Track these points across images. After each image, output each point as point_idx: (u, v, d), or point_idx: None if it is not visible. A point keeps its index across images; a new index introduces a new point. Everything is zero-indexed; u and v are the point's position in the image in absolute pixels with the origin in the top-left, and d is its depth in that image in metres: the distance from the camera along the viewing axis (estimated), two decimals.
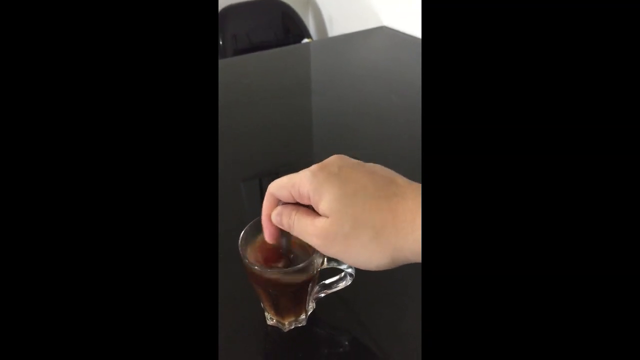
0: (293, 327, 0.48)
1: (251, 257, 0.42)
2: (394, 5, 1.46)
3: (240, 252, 0.42)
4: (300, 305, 0.46)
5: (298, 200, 0.36)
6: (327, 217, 0.32)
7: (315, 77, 1.15)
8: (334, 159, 0.35)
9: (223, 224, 0.50)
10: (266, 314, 0.48)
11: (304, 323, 0.48)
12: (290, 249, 0.42)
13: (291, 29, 1.80)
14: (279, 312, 0.46)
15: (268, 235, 0.39)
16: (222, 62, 1.26)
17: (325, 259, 0.44)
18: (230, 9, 1.74)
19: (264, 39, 1.75)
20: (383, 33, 1.42)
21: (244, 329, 0.48)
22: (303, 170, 0.35)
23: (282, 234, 0.40)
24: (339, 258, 0.33)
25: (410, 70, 1.11)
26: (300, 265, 0.40)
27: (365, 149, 0.81)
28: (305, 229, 0.34)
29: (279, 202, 0.38)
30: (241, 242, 0.42)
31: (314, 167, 0.35)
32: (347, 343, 0.47)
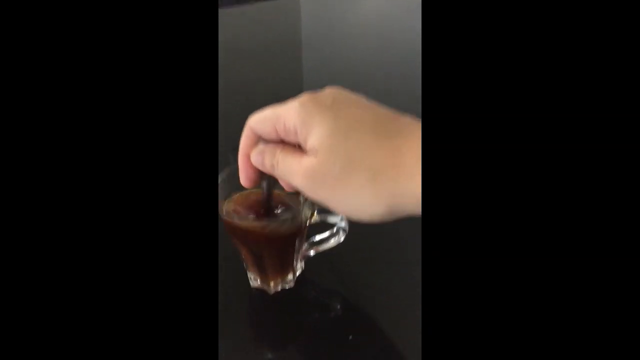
0: (279, 288, 0.43)
1: (229, 209, 0.37)
2: None
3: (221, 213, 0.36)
4: (287, 265, 0.42)
5: (283, 137, 0.30)
6: (316, 154, 0.27)
7: (306, 32, 1.08)
8: (328, 91, 0.30)
9: None
10: (249, 274, 0.43)
11: (291, 284, 0.44)
12: (274, 202, 0.37)
13: None
14: (264, 272, 0.41)
15: (245, 179, 0.34)
16: None
17: (316, 211, 0.39)
18: None
19: None
20: None
21: (225, 291, 0.44)
22: (290, 101, 0.29)
23: (264, 179, 0.34)
24: (327, 204, 0.28)
25: (407, 27, 1.04)
26: (286, 215, 0.35)
27: None
28: (290, 168, 0.29)
29: (259, 141, 0.32)
30: (220, 190, 0.37)
31: (303, 96, 0.29)
32: (338, 307, 0.43)
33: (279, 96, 0.35)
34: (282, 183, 0.34)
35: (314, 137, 0.28)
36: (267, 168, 0.32)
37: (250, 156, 0.32)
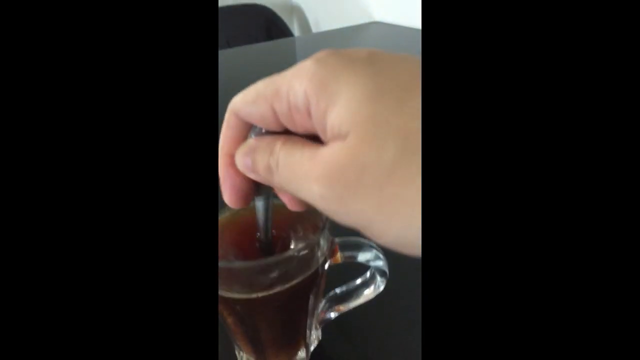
0: None
1: None
2: (385, 0, 1.35)
3: None
4: (296, 337, 0.27)
5: (286, 123, 0.18)
6: (345, 137, 0.16)
7: None
8: (360, 48, 0.18)
9: None
10: (241, 355, 0.28)
11: None
12: (272, 232, 0.23)
13: (275, 35, 1.66)
14: (260, 352, 0.26)
15: (230, 195, 0.21)
16: None
17: (339, 247, 0.24)
18: None
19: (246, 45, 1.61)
20: (376, 27, 1.30)
21: None
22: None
23: (260, 193, 0.21)
24: (364, 225, 0.16)
25: None
26: (296, 253, 0.21)
27: None
28: (299, 168, 0.17)
29: (248, 134, 0.20)
30: None
31: (320, 52, 0.18)
32: None
33: None
34: (284, 198, 0.20)
35: (341, 107, 0.16)
36: (261, 174, 0.19)
37: (235, 158, 0.20)
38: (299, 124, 0.17)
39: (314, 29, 1.79)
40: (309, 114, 0.17)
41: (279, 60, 1.11)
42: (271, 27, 1.68)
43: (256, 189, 0.21)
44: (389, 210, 0.15)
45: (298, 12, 1.86)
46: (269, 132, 0.19)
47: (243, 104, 0.19)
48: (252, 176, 0.19)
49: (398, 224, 0.15)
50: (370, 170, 0.15)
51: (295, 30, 1.88)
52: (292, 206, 0.20)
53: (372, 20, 1.39)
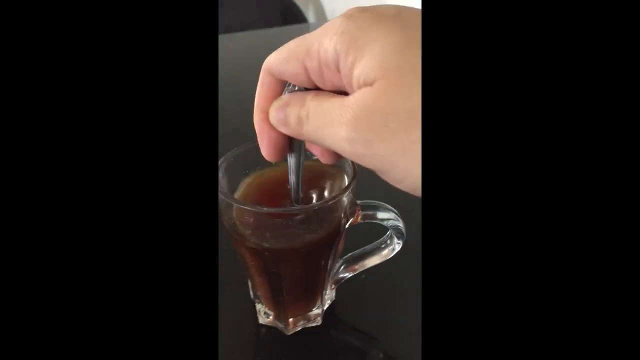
0: (300, 328, 0.30)
1: (240, 198, 0.25)
2: None
3: (219, 191, 0.24)
4: (314, 290, 0.29)
5: (316, 81, 0.20)
6: (372, 83, 0.17)
7: None
8: (388, 5, 0.19)
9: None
10: (259, 307, 0.30)
11: (317, 322, 0.30)
12: (302, 184, 0.25)
13: (290, 21, 1.67)
14: (281, 303, 0.28)
15: (267, 149, 0.22)
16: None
17: (360, 208, 0.26)
18: None
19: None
20: None
21: (223, 330, 0.30)
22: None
23: (292, 148, 0.23)
24: (383, 165, 0.17)
25: None
26: (318, 203, 0.23)
27: None
28: (329, 115, 0.18)
29: (282, 92, 0.21)
30: (219, 174, 0.25)
31: (350, 9, 0.19)
32: (381, 356, 0.29)
33: None
34: (315, 151, 0.22)
35: (369, 58, 0.17)
36: (292, 126, 0.20)
37: (269, 113, 0.21)
38: (328, 80, 0.19)
39: (330, 17, 1.79)
40: (337, 69, 0.18)
41: None
42: (287, 13, 1.68)
43: (289, 145, 0.22)
44: (412, 154, 0.16)
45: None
46: (301, 90, 0.20)
47: (276, 62, 0.20)
48: (284, 129, 0.21)
49: (419, 168, 0.16)
50: (396, 114, 0.16)
51: (311, 17, 1.88)
52: (323, 158, 0.22)
53: None
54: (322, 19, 1.84)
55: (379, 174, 0.18)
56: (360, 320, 0.32)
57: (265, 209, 0.23)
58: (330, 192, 0.27)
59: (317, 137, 0.19)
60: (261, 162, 0.28)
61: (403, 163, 0.17)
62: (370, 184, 0.27)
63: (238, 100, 0.74)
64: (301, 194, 0.24)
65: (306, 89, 0.20)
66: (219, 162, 0.26)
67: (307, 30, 1.36)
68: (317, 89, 0.20)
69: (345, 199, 0.25)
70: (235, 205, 0.24)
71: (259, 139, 0.22)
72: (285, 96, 0.21)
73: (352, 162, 0.25)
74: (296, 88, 0.21)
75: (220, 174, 0.25)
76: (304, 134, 0.20)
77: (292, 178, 0.24)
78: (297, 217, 0.24)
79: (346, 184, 0.25)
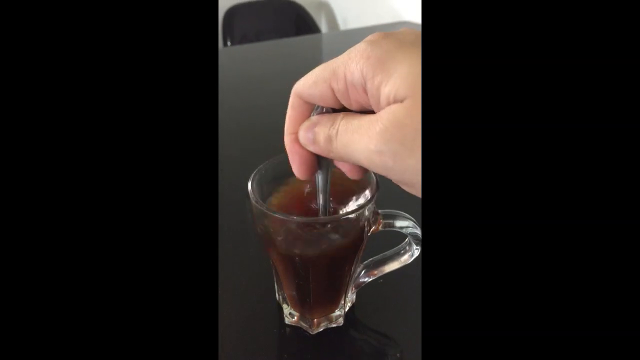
0: (323, 328, 0.32)
1: (273, 204, 0.28)
2: (414, 0, 1.36)
3: (251, 198, 0.27)
4: (337, 293, 0.31)
5: (343, 101, 0.21)
6: (402, 100, 0.18)
7: None
8: (405, 30, 0.21)
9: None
10: (285, 307, 0.33)
11: (339, 323, 0.33)
12: (329, 198, 0.27)
13: (304, 31, 1.70)
14: (306, 304, 0.31)
15: (298, 168, 0.24)
16: (228, 50, 1.15)
17: (381, 217, 0.28)
18: (238, 7, 1.65)
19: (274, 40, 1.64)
20: (404, 27, 1.31)
21: (251, 330, 0.33)
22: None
23: (321, 167, 0.25)
24: (412, 177, 0.19)
25: None
26: (343, 213, 0.25)
27: None
28: (359, 131, 0.20)
29: (310, 114, 0.23)
30: (252, 186, 0.28)
31: (372, 35, 0.21)
32: (398, 355, 0.31)
33: None
34: (344, 168, 0.24)
35: (397, 78, 0.18)
36: (321, 144, 0.22)
37: (299, 134, 0.23)
38: (354, 100, 0.21)
39: (342, 26, 1.82)
40: (364, 89, 0.20)
41: (305, 55, 1.14)
42: (300, 22, 1.71)
43: (318, 163, 0.24)
44: None
45: (326, 8, 1.89)
46: (329, 111, 0.22)
47: (305, 86, 0.22)
48: (313, 148, 0.23)
49: None
50: (421, 127, 0.17)
51: (323, 26, 1.90)
52: (351, 174, 0.24)
53: (400, 20, 1.41)
54: (334, 27, 1.87)
55: (405, 187, 0.20)
56: (379, 322, 0.34)
57: (297, 217, 0.26)
58: (354, 203, 0.29)
59: (346, 153, 0.21)
60: (291, 172, 0.30)
61: None
62: (389, 194, 0.29)
63: (255, 107, 0.76)
64: (329, 207, 0.26)
65: (334, 110, 0.22)
66: (253, 174, 0.28)
67: (320, 40, 1.38)
68: (343, 109, 0.22)
69: (368, 209, 0.27)
70: (268, 213, 0.26)
71: (290, 158, 0.24)
72: (314, 117, 0.23)
73: (375, 175, 0.28)
74: (324, 110, 0.22)
75: (255, 184, 0.28)
76: (333, 151, 0.22)
77: (320, 194, 0.26)
78: (326, 226, 0.26)
79: (369, 195, 0.28)
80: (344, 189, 0.29)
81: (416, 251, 0.30)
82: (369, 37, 0.20)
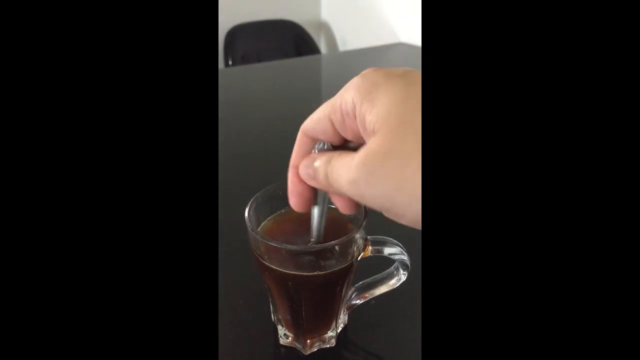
0: (316, 349, 0.34)
1: (267, 230, 0.29)
2: (411, 22, 1.40)
3: (248, 226, 0.28)
4: (329, 315, 0.33)
5: (341, 132, 0.23)
6: (377, 132, 0.20)
7: (326, 89, 1.05)
8: (397, 69, 0.23)
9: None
10: (280, 329, 0.34)
11: (332, 343, 0.34)
12: (322, 230, 0.29)
13: (303, 50, 1.74)
14: (299, 326, 0.32)
15: (295, 200, 0.26)
16: (229, 70, 1.17)
17: (370, 243, 0.30)
18: (239, 28, 1.69)
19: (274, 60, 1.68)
20: (400, 48, 1.35)
21: (248, 350, 0.34)
22: None
23: (317, 199, 0.26)
24: (384, 202, 0.20)
25: None
26: (335, 242, 0.27)
27: None
28: (344, 164, 0.22)
29: (314, 149, 0.25)
30: (249, 213, 0.29)
31: (366, 70, 0.23)
32: None
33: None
34: (338, 203, 0.25)
35: (377, 108, 0.20)
36: (320, 179, 0.24)
37: (299, 169, 0.25)
38: (349, 129, 0.22)
39: (341, 46, 1.86)
40: (355, 117, 0.21)
41: (304, 75, 1.17)
42: (300, 42, 1.75)
43: (314, 197, 0.26)
44: (408, 191, 0.18)
45: (326, 28, 1.93)
46: (329, 148, 0.24)
47: (309, 123, 0.24)
48: (312, 183, 0.24)
49: (416, 203, 0.18)
50: (392, 156, 0.19)
51: (322, 46, 1.94)
52: (343, 210, 0.25)
53: (398, 41, 1.44)
54: (333, 47, 1.91)
55: (384, 213, 0.21)
56: (370, 343, 0.35)
57: (289, 246, 0.27)
58: (345, 230, 0.31)
59: (337, 187, 0.22)
60: (284, 202, 0.32)
61: (400, 199, 0.19)
62: (378, 220, 0.31)
63: (254, 127, 0.78)
64: (321, 239, 0.28)
65: (333, 147, 0.24)
66: (250, 202, 0.30)
67: (319, 61, 1.40)
68: (342, 146, 0.24)
69: (357, 236, 0.29)
70: (263, 241, 0.28)
71: (289, 191, 0.26)
72: (315, 154, 0.24)
73: (364, 207, 0.29)
74: (325, 147, 0.24)
75: (251, 212, 0.30)
76: (327, 186, 0.23)
77: (314, 225, 0.27)
78: (317, 254, 0.28)
79: (359, 222, 0.29)
80: (335, 216, 0.31)
81: (403, 276, 0.32)
82: (363, 72, 0.22)
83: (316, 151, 0.25)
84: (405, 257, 0.30)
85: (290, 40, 1.76)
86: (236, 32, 1.67)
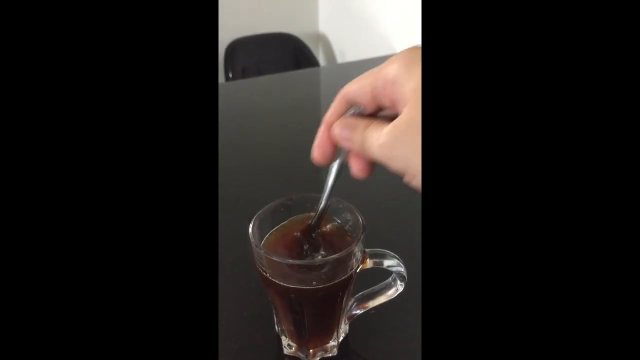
0: (319, 358, 0.35)
1: (269, 246, 0.31)
2: (407, 34, 1.42)
3: (252, 242, 0.30)
4: (330, 325, 0.34)
5: (378, 96, 0.25)
6: (410, 101, 0.23)
7: (326, 101, 1.07)
8: None
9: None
10: (283, 339, 0.35)
11: (334, 352, 0.35)
12: (320, 243, 0.31)
13: (302, 63, 1.76)
14: (302, 336, 0.34)
15: (318, 153, 0.28)
16: (230, 84, 1.19)
17: (368, 255, 0.32)
18: (239, 42, 1.72)
19: (274, 73, 1.70)
20: None
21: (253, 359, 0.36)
22: None
23: (339, 155, 0.28)
24: (403, 164, 0.23)
25: None
26: (335, 255, 0.28)
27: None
28: (379, 131, 0.24)
29: (348, 112, 0.27)
30: (253, 228, 0.31)
31: (409, 47, 0.25)
32: None
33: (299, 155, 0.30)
34: (355, 166, 0.27)
35: (413, 82, 0.22)
36: (355, 140, 0.26)
37: (333, 128, 0.27)
38: (388, 96, 0.24)
39: (339, 58, 1.88)
40: (394, 87, 0.23)
41: (304, 88, 1.18)
42: (299, 54, 1.78)
43: (335, 154, 0.28)
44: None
45: (324, 40, 1.96)
46: (361, 114, 0.26)
47: (351, 87, 0.26)
48: (344, 143, 0.26)
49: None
50: (413, 125, 0.22)
51: (321, 58, 1.97)
52: (357, 171, 0.27)
53: (394, 52, 1.46)
54: (331, 59, 1.93)
55: (404, 178, 0.23)
56: (371, 350, 0.37)
57: (292, 260, 0.29)
58: (345, 244, 0.32)
59: (369, 150, 0.25)
60: (286, 216, 0.34)
61: (416, 162, 0.22)
62: (376, 235, 0.32)
63: (255, 139, 0.80)
64: (327, 205, 0.29)
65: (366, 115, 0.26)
66: (253, 219, 0.32)
67: (318, 74, 1.42)
68: (374, 114, 0.26)
69: (356, 249, 0.30)
70: (267, 257, 0.29)
71: (315, 144, 0.28)
72: (349, 118, 0.26)
73: (362, 218, 0.31)
74: (358, 112, 0.26)
75: (255, 228, 0.31)
76: (360, 148, 0.25)
77: (329, 182, 0.29)
78: (318, 267, 0.29)
79: (357, 236, 0.31)
80: (337, 230, 0.32)
81: (400, 287, 0.33)
82: (409, 47, 0.24)
83: (349, 114, 0.26)
84: (402, 269, 0.31)
85: (289, 53, 1.78)
86: (236, 46, 1.69)
